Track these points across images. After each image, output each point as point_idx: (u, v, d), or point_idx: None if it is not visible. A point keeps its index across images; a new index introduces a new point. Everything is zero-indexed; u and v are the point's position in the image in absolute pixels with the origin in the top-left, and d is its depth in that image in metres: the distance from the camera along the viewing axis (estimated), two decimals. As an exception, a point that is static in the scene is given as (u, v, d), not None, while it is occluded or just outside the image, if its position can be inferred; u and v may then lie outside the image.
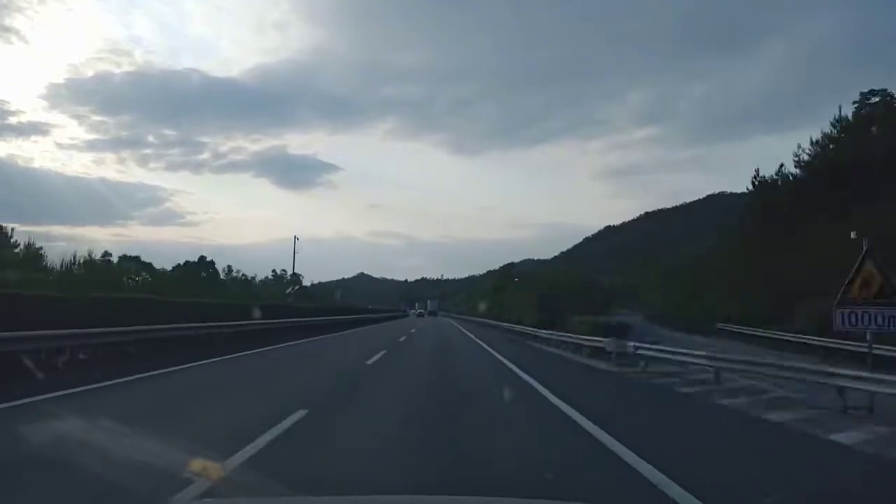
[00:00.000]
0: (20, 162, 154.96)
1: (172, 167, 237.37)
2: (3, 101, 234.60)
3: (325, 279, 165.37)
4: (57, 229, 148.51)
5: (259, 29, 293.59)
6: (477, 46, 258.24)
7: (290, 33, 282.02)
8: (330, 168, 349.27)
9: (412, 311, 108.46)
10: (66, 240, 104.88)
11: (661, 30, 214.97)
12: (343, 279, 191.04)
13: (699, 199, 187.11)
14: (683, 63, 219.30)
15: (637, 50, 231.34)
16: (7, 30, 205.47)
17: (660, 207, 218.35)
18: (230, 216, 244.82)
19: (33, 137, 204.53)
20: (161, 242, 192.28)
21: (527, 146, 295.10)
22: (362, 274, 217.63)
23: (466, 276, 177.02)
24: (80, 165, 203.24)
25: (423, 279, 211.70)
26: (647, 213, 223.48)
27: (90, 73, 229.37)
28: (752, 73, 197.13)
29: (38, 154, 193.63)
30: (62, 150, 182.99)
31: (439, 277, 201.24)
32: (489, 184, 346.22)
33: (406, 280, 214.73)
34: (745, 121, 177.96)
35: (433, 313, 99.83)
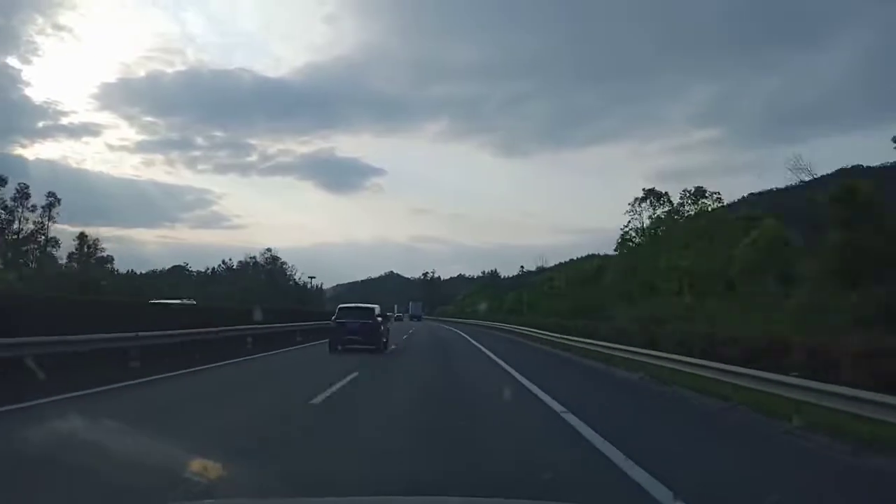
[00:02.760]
0: (72, 164, 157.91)
1: (220, 169, 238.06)
2: (56, 101, 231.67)
3: (353, 279, 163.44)
4: (106, 230, 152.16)
5: (310, 24, 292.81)
6: (532, 41, 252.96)
7: (341, 28, 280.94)
8: (376, 172, 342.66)
9: (389, 313, 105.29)
10: (115, 241, 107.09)
11: (726, 21, 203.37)
12: (369, 278, 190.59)
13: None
14: (749, 58, 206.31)
15: (699, 44, 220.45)
16: (60, 28, 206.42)
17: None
18: (275, 219, 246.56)
19: (84, 138, 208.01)
20: (208, 245, 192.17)
21: (578, 147, 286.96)
22: (391, 273, 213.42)
23: (510, 275, 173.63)
24: (130, 167, 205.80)
25: (460, 276, 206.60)
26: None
27: (142, 73, 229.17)
28: (823, 67, 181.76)
29: (89, 155, 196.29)
30: (112, 152, 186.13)
31: (481, 274, 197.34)
32: (537, 186, 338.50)
33: (439, 278, 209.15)
34: (811, 120, 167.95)
35: (417, 317, 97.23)
